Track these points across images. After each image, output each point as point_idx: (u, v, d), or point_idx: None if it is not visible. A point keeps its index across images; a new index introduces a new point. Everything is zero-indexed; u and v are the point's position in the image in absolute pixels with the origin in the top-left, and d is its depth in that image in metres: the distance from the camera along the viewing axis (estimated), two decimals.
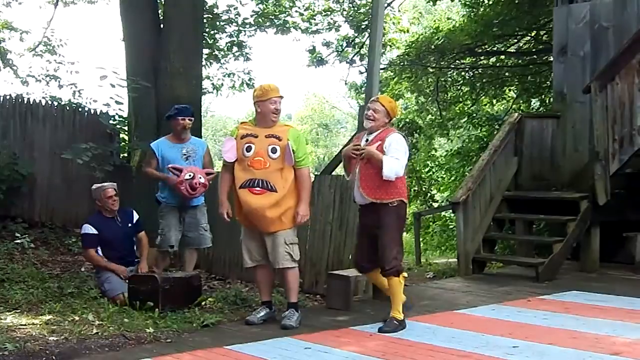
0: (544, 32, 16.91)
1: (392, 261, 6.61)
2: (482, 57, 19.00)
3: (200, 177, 7.85)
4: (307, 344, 6.08)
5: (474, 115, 18.90)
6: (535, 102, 18.91)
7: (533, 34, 17.82)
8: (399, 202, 6.66)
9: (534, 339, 6.21)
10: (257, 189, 6.62)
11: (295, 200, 6.80)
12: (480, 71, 19.11)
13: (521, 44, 18.78)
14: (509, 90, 19.71)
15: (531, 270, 9.75)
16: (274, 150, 6.69)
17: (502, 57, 19.08)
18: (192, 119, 8.24)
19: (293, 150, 6.71)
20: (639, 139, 9.75)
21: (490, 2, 17.41)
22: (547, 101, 17.02)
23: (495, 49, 18.70)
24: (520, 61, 18.67)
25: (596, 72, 10.43)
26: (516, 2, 16.55)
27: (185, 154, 8.07)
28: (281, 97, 6.81)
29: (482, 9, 17.63)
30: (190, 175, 7.80)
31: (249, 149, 6.70)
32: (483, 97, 19.65)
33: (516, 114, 11.51)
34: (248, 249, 6.92)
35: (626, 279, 9.53)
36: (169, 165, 7.87)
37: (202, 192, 7.97)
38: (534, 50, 18.13)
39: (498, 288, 8.98)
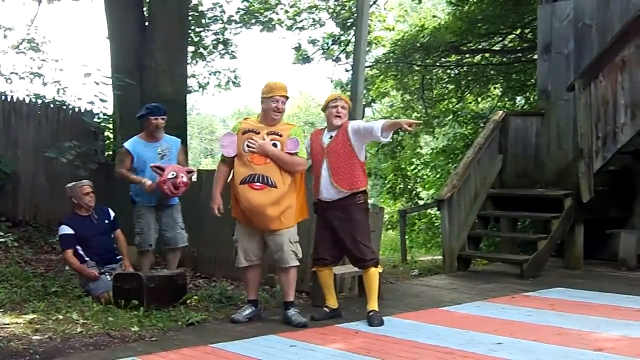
0: (529, 30, 16.97)
1: (371, 253, 6.82)
2: (467, 55, 19.04)
3: (183, 176, 7.80)
4: (293, 342, 6.06)
5: (459, 113, 18.95)
6: (520, 100, 18.97)
7: (518, 32, 17.88)
8: (365, 197, 6.91)
9: (518, 335, 6.22)
10: (258, 184, 6.56)
11: (295, 199, 6.78)
12: (465, 69, 19.18)
13: (506, 42, 18.84)
14: (494, 88, 19.78)
15: (516, 267, 9.79)
16: (274, 146, 6.67)
17: (487, 55, 19.14)
18: (165, 117, 8.13)
19: (298, 140, 6.76)
20: (622, 137, 9.81)
21: (476, 0, 17.43)
22: (531, 99, 17.09)
23: (480, 47, 18.75)
24: (505, 59, 18.74)
25: (580, 70, 10.48)
26: (501, 0, 16.61)
27: (160, 153, 8.00)
28: (286, 96, 6.80)
29: (467, 7, 17.66)
30: (173, 174, 7.73)
31: (249, 145, 6.67)
32: (468, 95, 19.71)
33: (501, 112, 11.54)
34: (244, 248, 6.82)
35: (610, 276, 9.58)
36: (152, 165, 7.80)
37: (184, 191, 7.91)
38: (518, 48, 18.20)
39: (483, 285, 9.01)
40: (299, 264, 6.89)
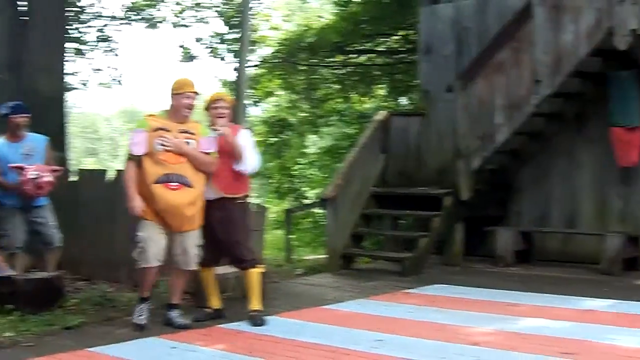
0: (413, 32, 17.25)
1: (250, 254, 6.80)
2: (352, 56, 19.22)
3: (46, 176, 7.51)
4: (174, 344, 5.99)
5: (345, 113, 19.11)
6: (404, 101, 19.26)
7: (402, 34, 18.14)
8: (245, 197, 6.91)
9: (399, 332, 6.31)
10: (174, 184, 6.35)
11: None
12: (350, 69, 19.33)
13: (391, 43, 19.10)
14: (379, 88, 20.01)
15: (398, 264, 9.93)
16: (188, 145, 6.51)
17: (372, 55, 19.36)
18: (27, 115, 7.78)
19: (213, 139, 6.62)
20: (499, 137, 10.07)
21: (360, 1, 17.62)
22: (415, 99, 17.36)
23: (365, 47, 18.95)
24: (389, 60, 18.99)
25: (459, 72, 10.73)
26: (385, 1, 16.84)
27: (24, 153, 7.66)
28: (196, 92, 6.62)
29: (352, 8, 17.83)
30: (35, 174, 7.42)
31: (162, 143, 6.44)
32: (354, 95, 19.87)
33: (383, 112, 11.70)
34: (156, 247, 6.48)
35: (487, 272, 9.85)
36: (11, 165, 7.49)
37: (49, 190, 7.63)
38: (402, 49, 18.47)
39: (365, 283, 9.11)
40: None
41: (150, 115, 6.77)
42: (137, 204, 6.44)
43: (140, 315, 6.60)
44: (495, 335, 6.16)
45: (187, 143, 6.48)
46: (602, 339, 5.95)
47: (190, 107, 6.60)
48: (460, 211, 10.29)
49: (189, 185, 6.41)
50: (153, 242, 6.48)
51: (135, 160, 6.48)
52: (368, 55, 19.35)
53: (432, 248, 10.27)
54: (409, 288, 8.64)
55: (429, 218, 10.27)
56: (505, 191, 10.98)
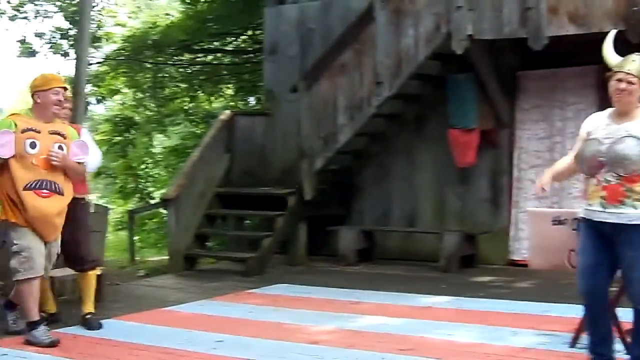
0: (260, 31, 17.27)
1: (90, 255, 6.65)
2: (199, 55, 19.06)
3: None
4: (4, 350, 5.75)
5: (192, 112, 18.93)
6: (252, 100, 19.27)
7: (249, 34, 18.13)
8: (84, 197, 6.73)
9: (239, 332, 6.29)
10: (45, 191, 5.84)
11: None
12: (197, 68, 19.16)
13: (238, 43, 19.05)
14: (227, 88, 19.94)
15: (242, 265, 9.91)
16: (60, 149, 5.96)
17: (220, 55, 19.26)
18: None
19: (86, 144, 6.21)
20: (341, 137, 10.19)
21: (207, 0, 17.50)
22: (262, 99, 17.38)
23: (212, 46, 18.84)
24: (237, 60, 18.95)
25: (303, 72, 10.81)
26: (232, 0, 16.78)
27: None
28: (65, 88, 6.15)
29: (199, 6, 17.67)
30: None
31: (33, 146, 5.84)
32: (201, 94, 19.72)
33: (228, 111, 11.67)
34: (41, 255, 5.96)
35: (331, 271, 9.97)
36: None
37: None
38: (250, 49, 18.46)
39: (208, 284, 9.05)
40: None
41: (15, 115, 6.24)
42: None
43: (47, 339, 5.96)
44: (335, 334, 6.23)
45: (61, 148, 5.98)
46: (439, 335, 6.12)
47: (60, 104, 6.06)
48: (304, 211, 10.37)
49: (60, 193, 5.96)
50: (37, 250, 5.94)
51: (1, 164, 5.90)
52: (215, 54, 19.22)
53: (276, 248, 10.32)
54: (252, 288, 8.64)
55: (273, 218, 10.30)
56: (348, 191, 11.15)
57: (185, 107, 19.20)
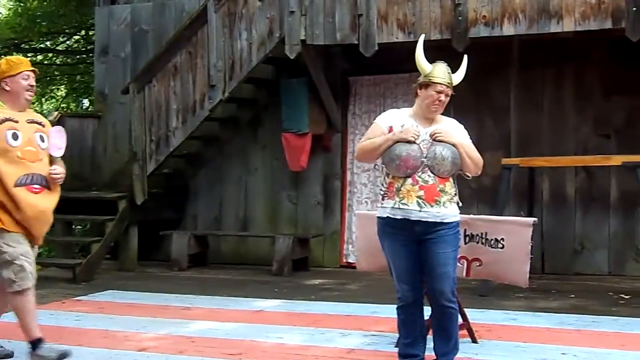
0: (93, 32, 16.83)
1: None
2: (29, 54, 18.37)
3: None
4: None
5: None
6: (85, 102, 18.77)
7: (82, 33, 17.65)
8: None
9: (64, 341, 6.03)
10: (36, 186, 5.17)
11: None
12: None
13: (71, 43, 18.51)
14: (58, 89, 19.35)
15: (70, 271, 9.63)
16: (42, 139, 5.31)
17: (51, 55, 18.66)
18: None
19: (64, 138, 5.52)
20: (174, 140, 10.09)
21: None
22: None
23: (43, 46, 18.21)
24: (69, 60, 18.41)
25: (135, 74, 10.62)
26: None
27: None
28: (35, 71, 5.49)
29: (28, 3, 17.04)
30: None
31: (15, 137, 5.17)
32: None
33: (56, 113, 11.30)
34: (33, 264, 5.32)
35: (163, 276, 9.82)
36: None
37: None
38: (83, 50, 17.97)
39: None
40: None
41: None
42: None
43: (55, 353, 5.37)
44: (165, 340, 6.13)
45: (42, 138, 5.32)
46: (269, 338, 6.14)
47: (32, 90, 5.39)
48: (135, 215, 10.19)
49: (48, 188, 5.29)
50: (29, 256, 5.29)
51: None
52: (46, 54, 18.58)
53: (106, 253, 10.09)
54: (80, 295, 8.41)
55: (103, 223, 10.06)
56: (182, 195, 11.02)
57: None
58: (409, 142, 4.60)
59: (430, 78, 4.69)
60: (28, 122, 5.30)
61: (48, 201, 5.27)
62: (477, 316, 6.45)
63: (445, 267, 4.66)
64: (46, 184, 5.25)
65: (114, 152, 11.31)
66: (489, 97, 9.65)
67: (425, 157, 4.60)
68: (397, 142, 4.64)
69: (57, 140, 5.44)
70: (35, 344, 5.35)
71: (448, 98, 4.73)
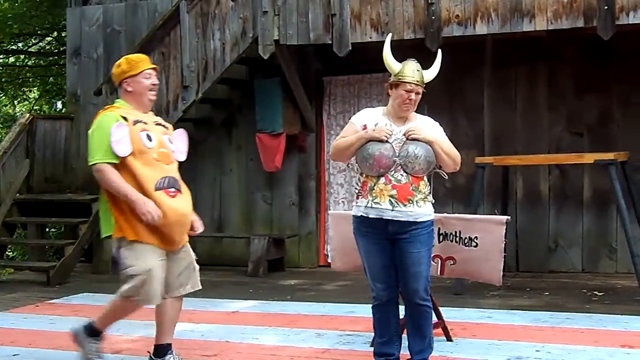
0: (65, 33, 16.74)
1: None
2: (1, 56, 18.26)
3: None
4: None
5: None
6: (59, 104, 18.67)
7: (55, 35, 17.55)
8: None
9: (37, 344, 6.14)
10: (172, 190, 4.91)
11: None
12: None
13: (43, 44, 18.40)
14: (31, 91, 19.23)
15: (43, 274, 9.57)
16: (170, 141, 5.09)
17: (23, 56, 18.54)
18: None
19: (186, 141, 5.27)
20: None
21: None
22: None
23: (15, 47, 18.08)
24: (42, 62, 18.30)
25: (108, 75, 10.56)
26: (36, 0, 16.19)
27: None
28: (155, 68, 5.21)
29: (0, 6, 16.92)
30: None
31: (150, 138, 4.95)
32: (3, 97, 18.91)
33: (28, 115, 11.24)
34: (160, 279, 4.96)
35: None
36: None
37: None
38: (55, 51, 17.86)
39: (6, 295, 8.69)
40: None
41: (112, 107, 5.15)
42: (153, 208, 4.81)
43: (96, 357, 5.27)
44: (139, 342, 6.11)
45: (170, 139, 5.10)
46: (244, 339, 6.17)
47: (155, 88, 5.13)
48: None
49: (180, 191, 5.02)
50: (156, 273, 4.93)
51: (121, 163, 4.89)
52: (18, 55, 18.46)
53: (80, 256, 10.02)
54: (54, 298, 8.38)
55: (77, 225, 10.00)
56: None
57: None
58: (381, 141, 4.61)
59: (400, 77, 4.71)
60: (155, 124, 5.10)
61: (186, 204, 5.02)
62: (452, 314, 6.49)
63: (418, 267, 4.68)
64: (179, 187, 5.00)
65: (87, 153, 11.22)
66: (463, 96, 9.70)
67: (398, 156, 4.60)
68: (370, 140, 4.65)
69: (180, 143, 5.20)
70: (94, 333, 5.34)
71: (419, 96, 4.75)
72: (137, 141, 4.87)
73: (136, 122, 4.94)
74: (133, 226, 4.86)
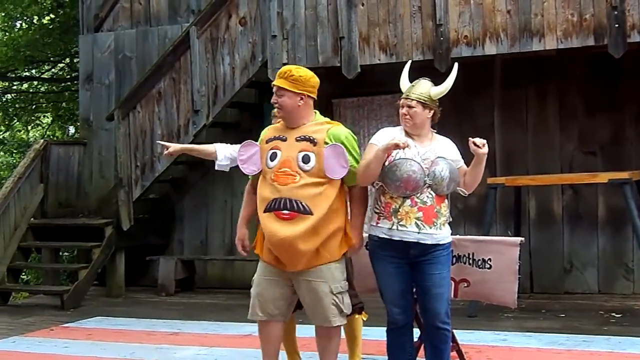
0: (77, 59, 16.85)
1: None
2: (15, 82, 18.40)
3: None
4: None
5: (7, 141, 18.24)
6: (71, 129, 18.77)
7: (67, 61, 17.67)
8: None
9: None
10: (286, 212, 4.67)
11: (340, 224, 4.85)
12: (13, 96, 18.48)
13: (56, 70, 18.54)
14: (44, 116, 19.35)
15: (57, 298, 9.59)
16: (306, 159, 4.76)
17: (36, 83, 18.68)
18: None
19: (343, 156, 4.80)
20: (159, 166, 10.11)
21: (23, 27, 16.93)
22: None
23: (29, 74, 18.22)
24: (55, 88, 18.42)
25: (119, 100, 10.65)
26: (49, 27, 16.32)
27: None
28: (278, 86, 5.00)
29: (13, 33, 17.07)
30: None
31: (273, 157, 4.82)
32: (17, 123, 19.03)
33: (42, 140, 11.32)
34: (264, 296, 4.92)
35: (150, 302, 9.79)
36: None
37: None
38: (68, 77, 17.99)
39: (21, 319, 8.75)
40: (343, 322, 4.98)
41: (272, 127, 5.12)
42: (239, 241, 5.12)
43: None
44: None
45: (307, 158, 4.76)
46: None
47: (275, 105, 4.96)
48: (122, 241, 10.17)
49: (306, 212, 4.67)
50: (261, 292, 4.95)
51: (253, 183, 5.06)
52: (32, 82, 18.60)
53: (94, 280, 10.07)
54: (68, 322, 8.42)
55: (90, 249, 10.05)
56: (168, 220, 10.99)
57: (1, 137, 18.43)
58: (398, 146, 4.51)
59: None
60: (297, 140, 4.82)
61: (291, 229, 4.66)
62: (467, 337, 6.45)
63: (440, 288, 4.66)
64: (303, 208, 4.69)
65: (100, 178, 11.30)
66: (473, 117, 9.66)
67: (427, 176, 4.61)
68: (398, 159, 4.61)
69: (331, 160, 4.76)
70: None
71: (415, 110, 4.70)
72: (262, 161, 4.87)
73: (271, 139, 4.88)
74: (260, 244, 4.95)
